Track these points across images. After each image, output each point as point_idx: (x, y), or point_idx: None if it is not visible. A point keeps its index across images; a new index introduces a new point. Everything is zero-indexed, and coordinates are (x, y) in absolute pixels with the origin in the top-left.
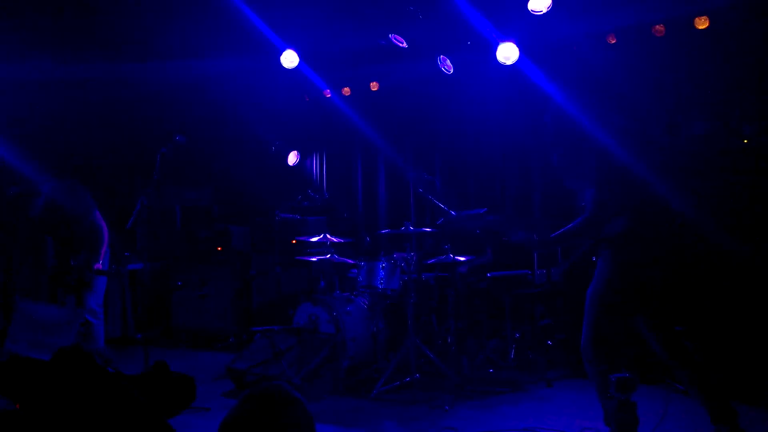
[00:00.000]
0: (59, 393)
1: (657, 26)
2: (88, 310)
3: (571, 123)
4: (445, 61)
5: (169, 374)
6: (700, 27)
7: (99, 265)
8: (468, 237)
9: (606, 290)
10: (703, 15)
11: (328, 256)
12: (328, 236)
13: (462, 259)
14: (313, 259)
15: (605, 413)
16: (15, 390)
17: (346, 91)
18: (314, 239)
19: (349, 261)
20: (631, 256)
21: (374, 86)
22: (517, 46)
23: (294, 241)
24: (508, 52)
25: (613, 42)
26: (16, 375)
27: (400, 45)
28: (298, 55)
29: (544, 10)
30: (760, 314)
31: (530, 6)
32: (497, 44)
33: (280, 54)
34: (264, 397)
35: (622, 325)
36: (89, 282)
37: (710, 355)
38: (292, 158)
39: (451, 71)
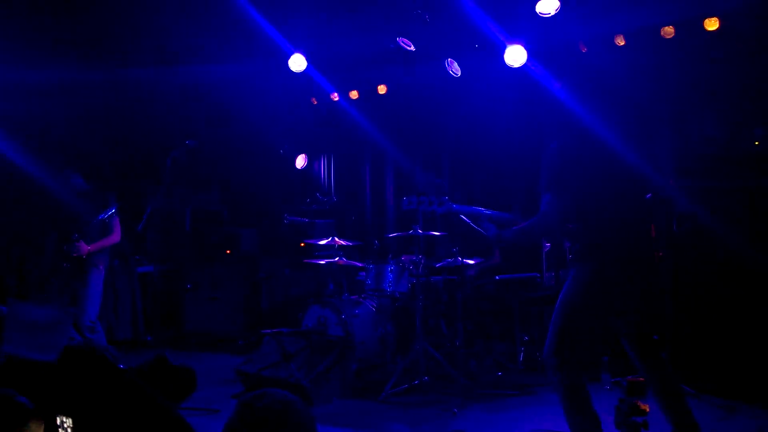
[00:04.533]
0: (71, 390)
1: (666, 28)
2: (84, 327)
3: (568, 124)
4: (452, 63)
5: (171, 366)
6: (710, 29)
7: (88, 248)
8: (476, 239)
9: (577, 297)
10: (713, 17)
11: (337, 259)
12: (337, 239)
13: (470, 261)
14: (322, 262)
15: (572, 426)
16: (22, 391)
17: (354, 94)
18: (323, 242)
19: (358, 264)
20: (604, 262)
21: (382, 89)
22: (525, 48)
23: (302, 244)
24: (516, 55)
25: (622, 44)
26: (19, 376)
27: (408, 48)
28: (306, 59)
29: (552, 13)
30: None
31: (538, 8)
32: (505, 47)
33: (288, 58)
34: (260, 402)
35: (593, 332)
36: (81, 263)
37: (724, 357)
38: (301, 161)
39: (459, 74)
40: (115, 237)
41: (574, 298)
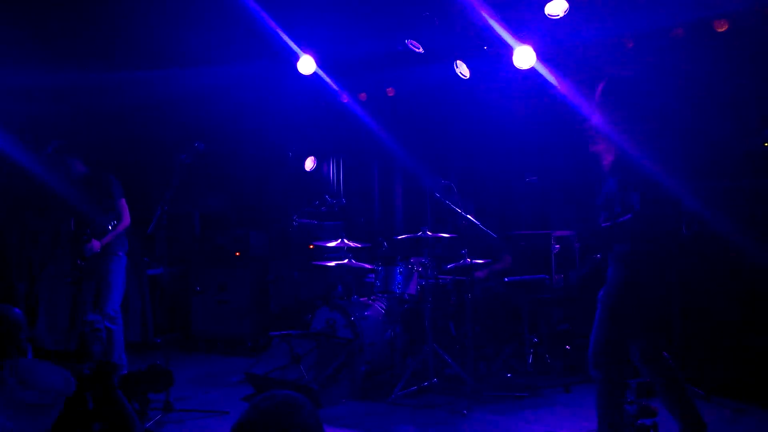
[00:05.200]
0: None
1: (676, 30)
2: (106, 316)
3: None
4: (461, 66)
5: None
6: (720, 30)
7: (100, 243)
8: (485, 241)
9: (618, 296)
10: (722, 18)
11: (346, 261)
12: (346, 241)
13: (479, 263)
14: (331, 264)
15: (601, 422)
16: None
17: (363, 96)
18: (331, 244)
19: (367, 266)
20: (644, 262)
21: (390, 91)
22: (534, 50)
23: (311, 246)
24: (524, 57)
25: (631, 46)
26: None
27: (417, 50)
28: (315, 61)
29: (561, 14)
30: None
31: (547, 10)
32: (514, 49)
33: (297, 60)
34: (267, 404)
35: (636, 329)
36: (98, 256)
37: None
38: (309, 164)
39: (468, 76)
40: (125, 221)
41: (627, 298)
